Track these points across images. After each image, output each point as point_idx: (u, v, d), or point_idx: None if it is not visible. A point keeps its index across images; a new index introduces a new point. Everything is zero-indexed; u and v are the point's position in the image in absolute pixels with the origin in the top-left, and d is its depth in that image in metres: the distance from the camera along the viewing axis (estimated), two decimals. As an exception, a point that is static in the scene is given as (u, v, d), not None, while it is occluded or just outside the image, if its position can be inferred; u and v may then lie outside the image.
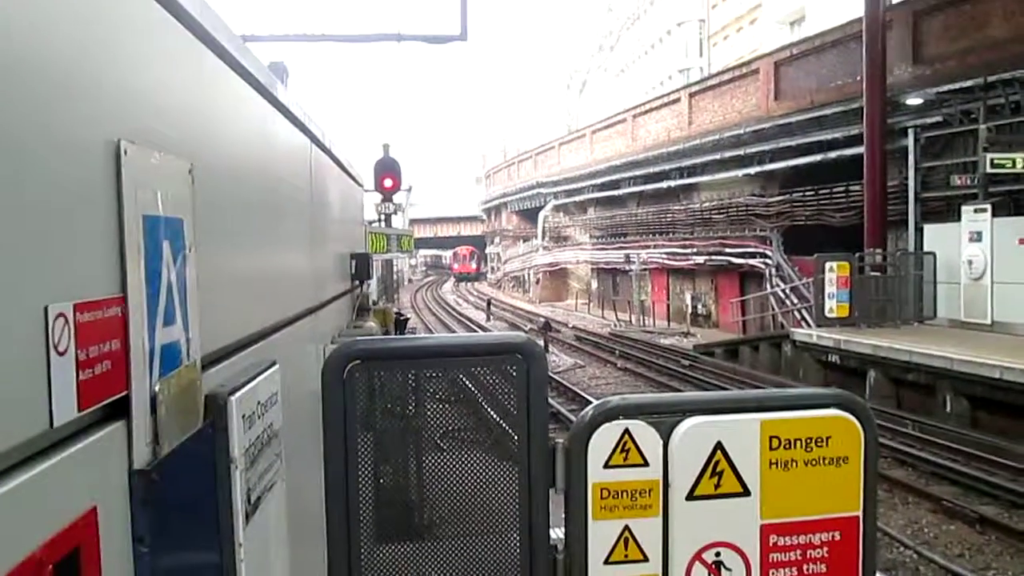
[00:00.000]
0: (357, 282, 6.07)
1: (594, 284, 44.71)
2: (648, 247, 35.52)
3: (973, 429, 13.77)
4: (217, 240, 2.10)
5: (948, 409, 14.54)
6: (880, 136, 20.04)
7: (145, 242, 1.43)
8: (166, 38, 1.75)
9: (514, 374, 1.91)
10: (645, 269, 35.62)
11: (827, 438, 1.96)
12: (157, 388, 1.44)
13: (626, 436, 1.90)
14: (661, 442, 1.90)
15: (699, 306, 32.54)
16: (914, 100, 20.13)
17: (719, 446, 1.92)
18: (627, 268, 36.30)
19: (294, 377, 2.73)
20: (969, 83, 18.83)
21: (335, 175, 5.13)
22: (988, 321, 17.24)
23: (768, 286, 25.50)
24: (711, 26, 55.83)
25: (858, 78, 21.13)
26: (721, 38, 54.28)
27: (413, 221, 59.55)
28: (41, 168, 1.15)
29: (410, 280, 79.21)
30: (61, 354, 1.13)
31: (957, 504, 10.51)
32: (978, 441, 12.76)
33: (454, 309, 46.47)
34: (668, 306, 34.88)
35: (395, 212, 16.60)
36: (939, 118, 19.82)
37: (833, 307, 18.93)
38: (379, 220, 16.54)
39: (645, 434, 1.90)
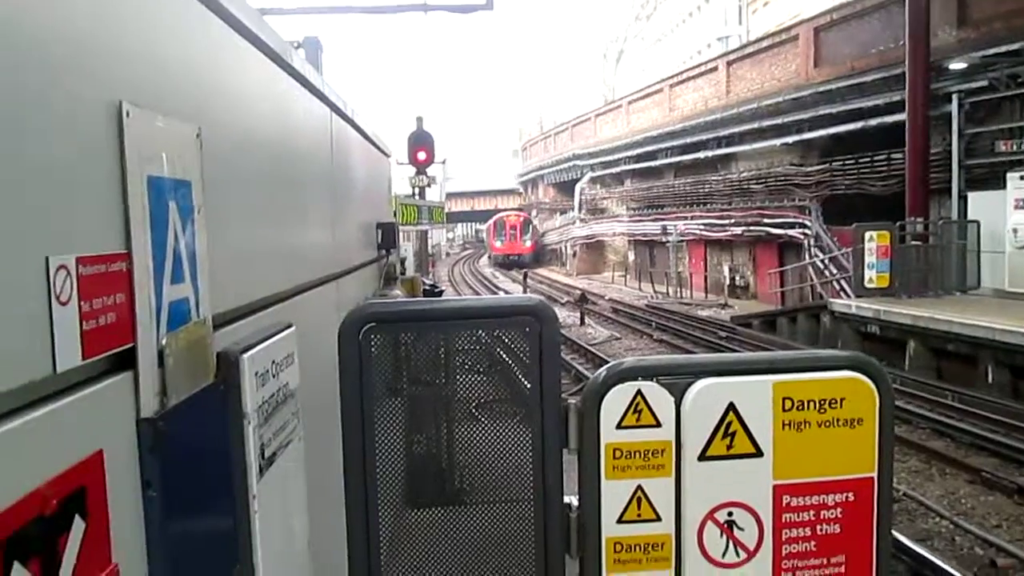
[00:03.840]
0: (384, 251, 6.12)
1: (631, 256, 44.46)
2: (685, 218, 35.20)
3: (1015, 400, 13.54)
4: (233, 205, 2.15)
5: (990, 380, 14.30)
6: (923, 102, 19.55)
7: (150, 202, 1.47)
8: (173, 5, 1.78)
9: (527, 336, 1.93)
10: (682, 241, 35.33)
11: (841, 399, 1.96)
12: (164, 342, 1.50)
13: (639, 397, 1.92)
14: (673, 403, 1.91)
15: (737, 277, 32.22)
16: (958, 64, 19.56)
17: (731, 407, 1.93)
18: (664, 240, 36.03)
19: (315, 341, 2.78)
20: (1016, 46, 18.26)
21: (359, 145, 5.16)
22: (1034, 290, 16.88)
23: (807, 256, 25.15)
24: (750, -8, 54.70)
25: (900, 43, 20.58)
26: (761, 4, 53.18)
27: (449, 195, 59.51)
28: (42, 126, 1.19)
29: (447, 254, 79.47)
30: (63, 304, 1.18)
31: (996, 475, 10.35)
32: (1019, 412, 12.54)
33: (489, 281, 46.53)
34: (706, 278, 34.58)
35: (429, 185, 16.65)
36: (984, 83, 19.25)
37: (873, 277, 18.62)
38: (413, 193, 16.62)
39: (658, 395, 1.91)
